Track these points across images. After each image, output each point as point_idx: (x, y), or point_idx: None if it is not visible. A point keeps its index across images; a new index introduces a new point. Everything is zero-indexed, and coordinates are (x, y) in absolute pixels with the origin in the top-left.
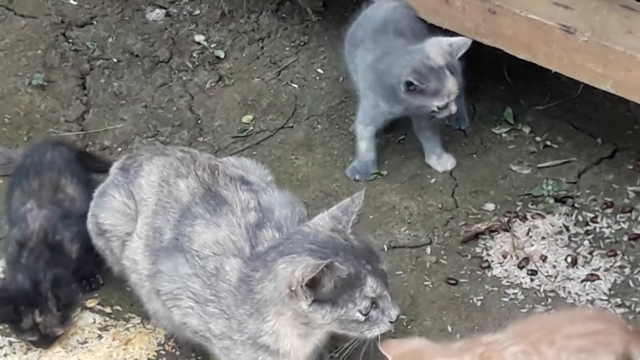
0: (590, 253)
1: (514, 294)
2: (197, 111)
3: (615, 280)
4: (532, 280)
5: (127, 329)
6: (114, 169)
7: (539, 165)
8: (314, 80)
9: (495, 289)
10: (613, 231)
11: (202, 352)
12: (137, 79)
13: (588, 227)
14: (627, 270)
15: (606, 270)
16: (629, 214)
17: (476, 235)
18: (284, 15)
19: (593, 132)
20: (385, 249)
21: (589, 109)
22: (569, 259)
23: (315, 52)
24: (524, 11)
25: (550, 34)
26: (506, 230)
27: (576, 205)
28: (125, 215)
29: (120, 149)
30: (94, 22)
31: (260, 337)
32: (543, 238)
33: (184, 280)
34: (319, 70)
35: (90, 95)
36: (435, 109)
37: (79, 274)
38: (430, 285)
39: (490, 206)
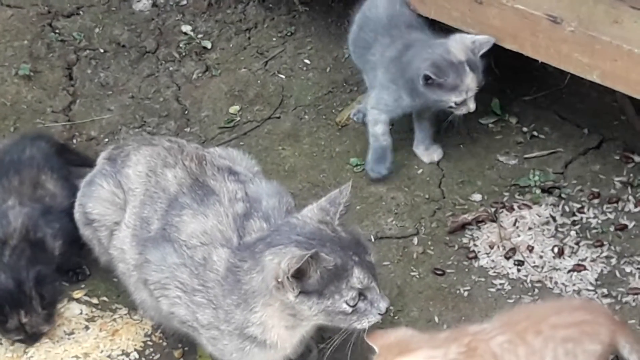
0: (577, 243)
1: (500, 284)
2: (184, 102)
3: (602, 270)
4: (518, 270)
5: (114, 319)
6: (101, 159)
7: (526, 155)
8: (300, 70)
9: (482, 279)
10: (600, 221)
11: (189, 342)
12: (123, 70)
13: (575, 218)
14: (613, 261)
15: (593, 260)
16: (615, 205)
17: (463, 226)
18: (270, 5)
19: (580, 123)
20: (373, 240)
21: (575, 99)
22: (556, 250)
23: (302, 43)
24: (510, 1)
25: (537, 24)
26: (493, 221)
27: (563, 195)
28: (114, 204)
29: (107, 140)
30: (81, 13)
31: (248, 327)
32: (530, 228)
33: (172, 269)
34: (306, 61)
35: (77, 86)
36: (453, 104)
37: (63, 269)
38: (417, 276)
39: (477, 197)
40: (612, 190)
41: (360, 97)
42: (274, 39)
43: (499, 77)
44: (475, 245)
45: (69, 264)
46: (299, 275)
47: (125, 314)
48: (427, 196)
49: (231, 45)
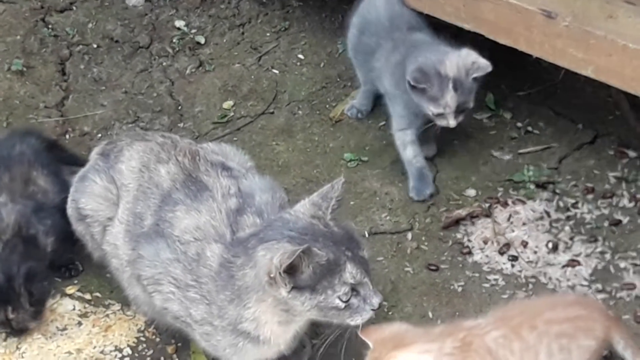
0: (571, 239)
1: (494, 279)
2: (178, 97)
3: (596, 265)
4: (513, 266)
5: (107, 315)
6: (94, 155)
7: (520, 151)
8: (294, 66)
9: (476, 274)
10: (594, 217)
11: (182, 338)
12: (117, 65)
13: (569, 213)
14: (607, 256)
15: (587, 256)
16: (609, 200)
17: (457, 221)
18: (264, 0)
19: (574, 118)
20: (366, 235)
21: (570, 94)
22: (550, 245)
23: (296, 38)
24: None
25: (531, 18)
26: (487, 216)
27: (557, 191)
28: (107, 199)
29: (100, 135)
30: (74, 8)
31: (241, 323)
32: (524, 224)
33: (165, 265)
34: (300, 56)
35: (70, 81)
36: (431, 114)
37: (56, 264)
38: (411, 271)
39: (471, 192)
40: (607, 186)
41: (354, 92)
42: (268, 34)
43: (493, 73)
44: (469, 240)
45: (62, 260)
46: (291, 270)
47: (119, 310)
48: None
49: (225, 41)
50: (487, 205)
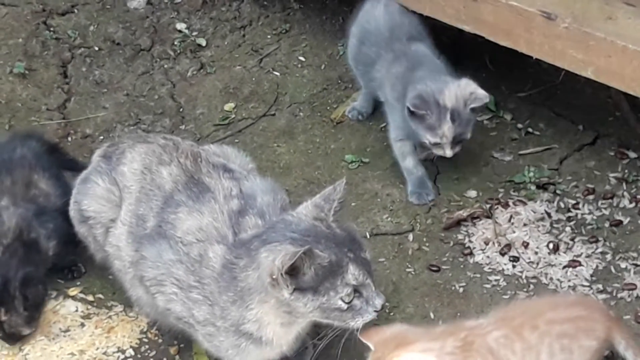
0: (572, 239)
1: (496, 280)
2: (179, 99)
3: (597, 266)
4: (514, 266)
5: (110, 317)
6: (96, 157)
7: (521, 152)
8: (295, 68)
9: (478, 275)
10: (595, 217)
11: (184, 339)
12: (118, 67)
13: (570, 214)
14: (608, 257)
15: (588, 256)
16: (610, 200)
17: (458, 222)
18: (265, 3)
19: (574, 119)
20: (368, 237)
21: (570, 95)
22: (551, 246)
23: (297, 40)
24: None
25: (531, 20)
26: (488, 217)
27: (558, 191)
28: (109, 201)
29: (102, 137)
30: (75, 11)
31: (243, 324)
32: (525, 225)
33: (168, 266)
34: (301, 58)
35: (72, 84)
36: (427, 142)
37: (58, 267)
38: (413, 272)
39: (472, 193)
40: (607, 186)
41: (355, 94)
42: (269, 37)
43: (493, 74)
44: (470, 241)
45: (64, 262)
46: (293, 272)
47: (121, 311)
48: None
49: (226, 43)
50: (488, 206)
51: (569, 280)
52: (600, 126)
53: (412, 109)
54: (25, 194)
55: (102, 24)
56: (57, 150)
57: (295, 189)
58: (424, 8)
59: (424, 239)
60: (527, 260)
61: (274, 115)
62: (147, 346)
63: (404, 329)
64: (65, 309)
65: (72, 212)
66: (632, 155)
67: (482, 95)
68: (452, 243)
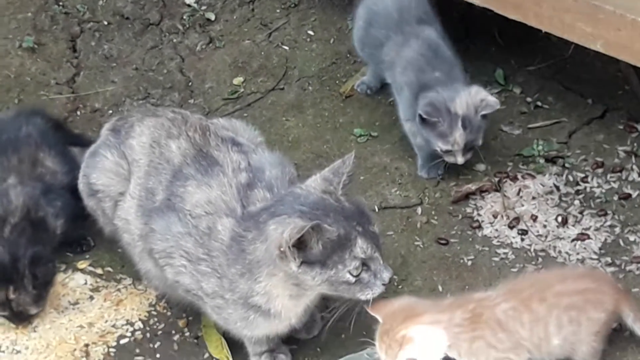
0: (581, 212)
1: (504, 253)
2: (188, 73)
3: (606, 239)
4: (522, 239)
5: (119, 290)
6: (104, 130)
7: (530, 125)
8: (304, 42)
9: (486, 248)
10: (603, 191)
11: (193, 312)
12: (127, 42)
13: (578, 187)
14: (617, 230)
15: (596, 229)
16: (619, 174)
17: (467, 196)
18: None
19: (584, 93)
20: (376, 210)
21: (579, 69)
22: (560, 219)
23: (306, 14)
24: None
25: None
26: (497, 191)
27: (567, 165)
28: (118, 175)
29: (111, 112)
30: None
31: (252, 297)
32: (533, 198)
33: (177, 239)
34: (310, 32)
35: (81, 58)
36: (439, 149)
37: (66, 241)
38: (421, 246)
39: (481, 167)
40: (616, 160)
41: (364, 68)
42: (278, 11)
43: (502, 48)
44: (479, 214)
45: (73, 237)
46: (300, 245)
47: (130, 284)
48: None
49: (235, 17)
50: (496, 179)
51: (578, 254)
52: (610, 100)
53: (424, 116)
54: (32, 172)
55: None
56: (62, 127)
57: (304, 163)
58: None
59: (433, 212)
60: (536, 234)
61: (282, 89)
62: (155, 319)
63: (412, 302)
64: (74, 282)
65: (81, 186)
66: None
67: (492, 102)
68: (460, 216)
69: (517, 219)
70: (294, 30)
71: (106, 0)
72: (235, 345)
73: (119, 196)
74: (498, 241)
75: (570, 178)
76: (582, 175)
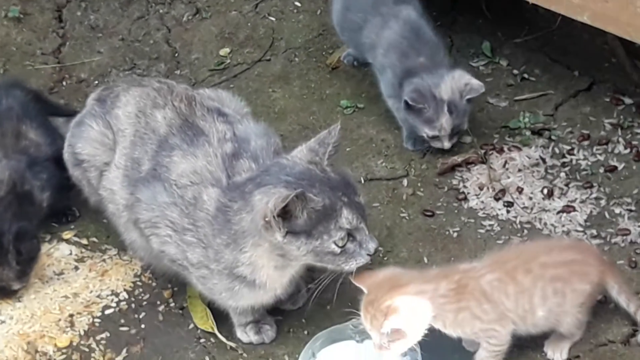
0: (567, 185)
1: (490, 225)
2: (174, 44)
3: (591, 211)
4: (508, 211)
5: (104, 260)
6: (90, 100)
7: (516, 98)
8: (291, 13)
9: (472, 220)
10: (589, 163)
11: (178, 283)
12: (113, 12)
13: (564, 159)
14: (602, 202)
15: (582, 201)
16: (605, 146)
17: (453, 168)
18: None
19: (570, 65)
20: (362, 181)
21: (566, 41)
22: (545, 191)
23: None
24: None
25: None
26: (483, 163)
27: (553, 137)
28: (103, 145)
29: (97, 82)
30: None
31: (237, 267)
32: (519, 170)
33: (162, 208)
34: (297, 3)
35: (67, 28)
36: (425, 135)
37: (52, 212)
38: (407, 217)
39: (467, 139)
40: (602, 132)
41: None
42: None
43: (489, 20)
44: (464, 186)
45: (58, 208)
46: (285, 215)
47: (115, 255)
48: None
49: None
50: (482, 151)
51: (563, 226)
52: (596, 72)
53: (410, 102)
54: (16, 146)
55: None
56: (41, 98)
57: (290, 134)
58: None
59: (419, 184)
60: (521, 206)
61: (269, 60)
62: (140, 289)
63: (397, 272)
64: (59, 252)
65: (66, 155)
66: (628, 101)
67: (477, 85)
68: (446, 188)
69: (503, 191)
70: (280, 2)
71: None
72: (220, 315)
73: (104, 166)
74: (484, 213)
75: (556, 150)
76: (568, 147)
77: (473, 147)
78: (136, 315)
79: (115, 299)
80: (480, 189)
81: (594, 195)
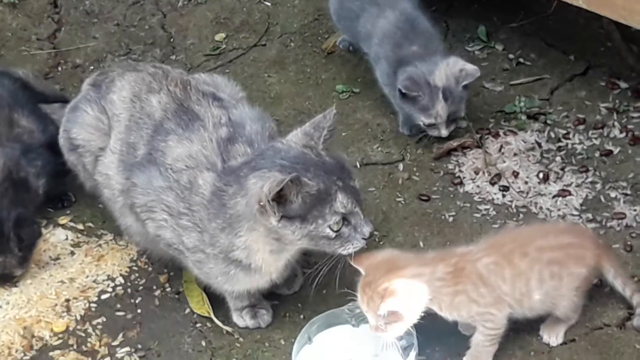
0: (562, 169)
1: (485, 209)
2: (170, 29)
3: (587, 195)
4: (503, 196)
5: (100, 245)
6: (85, 85)
7: (512, 82)
8: None
9: (467, 204)
10: (585, 147)
11: (174, 268)
12: None
13: (560, 144)
14: (598, 186)
15: (578, 186)
16: (600, 130)
17: (448, 152)
18: None
19: (566, 49)
20: (358, 166)
21: (562, 26)
22: (541, 175)
23: None
24: None
25: None
26: (478, 147)
27: (548, 121)
28: (98, 129)
29: (92, 67)
30: None
31: (233, 251)
32: (515, 154)
33: (158, 193)
34: None
35: (62, 14)
36: (422, 124)
37: (47, 200)
38: (403, 202)
39: (462, 123)
40: (598, 117)
41: None
42: None
43: (485, 5)
44: (460, 171)
45: (54, 193)
46: (280, 199)
47: (111, 240)
48: None
49: None
50: (478, 136)
51: (559, 210)
52: (592, 56)
53: (404, 91)
54: (9, 134)
55: None
56: (29, 85)
57: (286, 119)
58: None
59: (414, 169)
60: (517, 190)
61: (264, 45)
62: (136, 274)
63: (395, 255)
64: (55, 237)
65: (62, 141)
66: (623, 85)
67: (472, 70)
68: (442, 173)
69: (499, 176)
70: None
71: None
72: (216, 300)
73: (100, 151)
74: (479, 197)
75: (552, 135)
76: (564, 131)
77: (469, 131)
78: (132, 300)
79: (112, 284)
80: (476, 173)
81: (589, 179)
